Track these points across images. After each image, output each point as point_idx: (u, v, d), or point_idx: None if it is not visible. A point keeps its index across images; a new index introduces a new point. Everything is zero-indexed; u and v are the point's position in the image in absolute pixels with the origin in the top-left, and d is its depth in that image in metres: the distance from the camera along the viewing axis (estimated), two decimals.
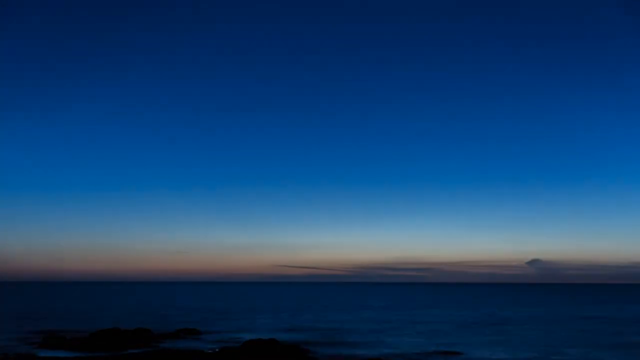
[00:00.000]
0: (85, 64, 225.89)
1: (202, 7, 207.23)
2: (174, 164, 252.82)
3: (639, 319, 59.27)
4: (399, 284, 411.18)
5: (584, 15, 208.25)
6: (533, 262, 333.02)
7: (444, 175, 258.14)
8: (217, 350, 29.45)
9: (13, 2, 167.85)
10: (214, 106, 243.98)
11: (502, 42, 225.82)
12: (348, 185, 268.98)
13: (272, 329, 43.29)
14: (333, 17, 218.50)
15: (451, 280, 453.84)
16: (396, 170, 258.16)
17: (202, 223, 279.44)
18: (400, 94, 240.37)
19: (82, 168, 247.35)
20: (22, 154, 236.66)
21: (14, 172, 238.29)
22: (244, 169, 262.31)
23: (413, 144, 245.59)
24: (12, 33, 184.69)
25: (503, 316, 61.89)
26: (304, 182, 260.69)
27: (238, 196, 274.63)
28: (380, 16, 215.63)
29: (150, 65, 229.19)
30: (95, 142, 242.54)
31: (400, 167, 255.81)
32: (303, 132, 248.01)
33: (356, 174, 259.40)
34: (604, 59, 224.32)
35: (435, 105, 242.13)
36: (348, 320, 54.67)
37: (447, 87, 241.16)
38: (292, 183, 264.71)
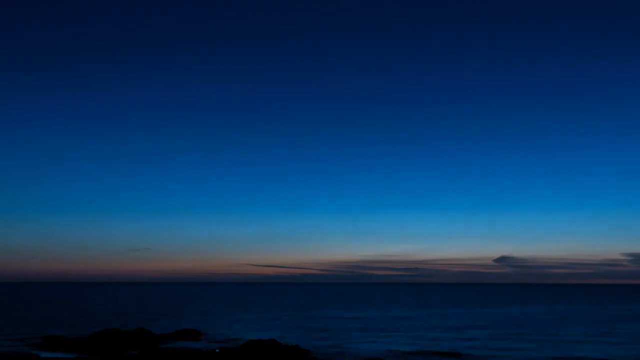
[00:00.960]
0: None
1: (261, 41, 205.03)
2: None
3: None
4: (370, 284, 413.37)
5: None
6: (502, 260, 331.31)
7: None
8: (217, 350, 29.48)
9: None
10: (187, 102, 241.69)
11: None
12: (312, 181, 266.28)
13: (272, 330, 43.39)
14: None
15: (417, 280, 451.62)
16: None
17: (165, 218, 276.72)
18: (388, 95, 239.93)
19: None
20: None
21: None
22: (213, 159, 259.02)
23: (392, 143, 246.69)
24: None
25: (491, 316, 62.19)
26: (276, 172, 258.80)
27: (206, 188, 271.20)
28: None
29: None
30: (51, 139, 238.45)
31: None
32: (285, 126, 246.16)
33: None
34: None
35: (418, 103, 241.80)
36: (344, 320, 54.80)
37: (422, 90, 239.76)
38: (266, 174, 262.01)
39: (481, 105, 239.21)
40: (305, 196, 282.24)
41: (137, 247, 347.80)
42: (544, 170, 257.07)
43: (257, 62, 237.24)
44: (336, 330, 44.12)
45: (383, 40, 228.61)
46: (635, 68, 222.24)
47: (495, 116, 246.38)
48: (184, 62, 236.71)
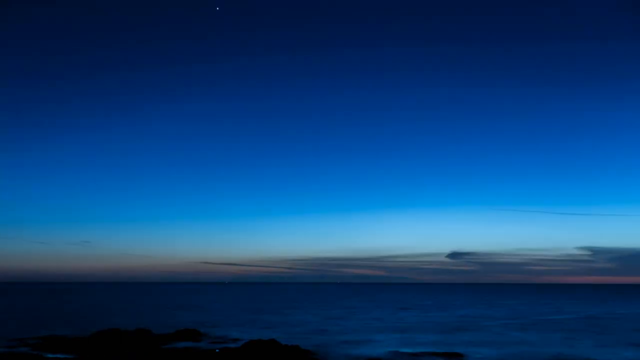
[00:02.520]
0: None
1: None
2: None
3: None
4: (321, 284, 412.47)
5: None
6: (454, 256, 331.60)
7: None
8: (217, 350, 29.51)
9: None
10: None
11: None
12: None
13: (272, 329, 43.40)
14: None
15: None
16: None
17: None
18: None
19: None
20: None
21: None
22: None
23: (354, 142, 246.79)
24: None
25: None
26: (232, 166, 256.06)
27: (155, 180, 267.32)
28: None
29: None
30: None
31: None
32: (235, 119, 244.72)
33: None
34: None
35: (375, 101, 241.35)
36: (338, 320, 54.83)
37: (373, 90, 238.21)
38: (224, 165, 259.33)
39: (432, 104, 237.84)
40: (263, 197, 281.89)
41: (75, 241, 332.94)
42: (490, 168, 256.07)
43: None
44: (331, 331, 44.13)
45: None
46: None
47: (447, 117, 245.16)
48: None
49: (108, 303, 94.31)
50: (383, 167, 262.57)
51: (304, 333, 41.64)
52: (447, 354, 30.38)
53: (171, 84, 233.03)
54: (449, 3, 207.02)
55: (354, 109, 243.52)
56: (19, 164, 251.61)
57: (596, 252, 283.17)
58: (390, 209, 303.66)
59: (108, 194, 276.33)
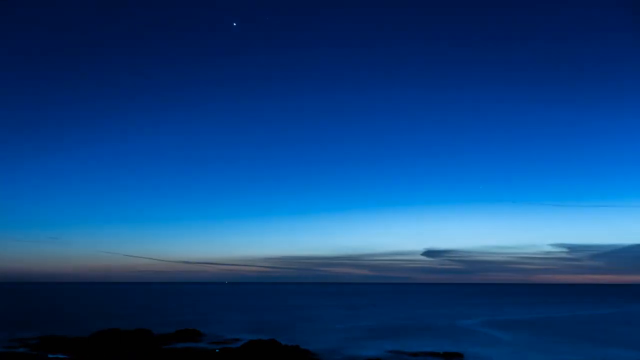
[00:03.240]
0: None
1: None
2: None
3: None
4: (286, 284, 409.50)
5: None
6: (430, 253, 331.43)
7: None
8: (217, 350, 29.49)
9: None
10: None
11: None
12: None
13: (271, 329, 43.36)
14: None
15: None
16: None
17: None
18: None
19: None
20: None
21: None
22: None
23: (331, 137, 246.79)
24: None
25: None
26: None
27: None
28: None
29: None
30: None
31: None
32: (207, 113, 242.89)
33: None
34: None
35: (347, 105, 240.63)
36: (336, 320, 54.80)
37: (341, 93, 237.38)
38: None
39: (405, 105, 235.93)
40: (242, 198, 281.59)
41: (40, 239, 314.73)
42: (465, 167, 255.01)
43: None
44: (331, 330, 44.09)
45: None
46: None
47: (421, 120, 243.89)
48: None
49: (84, 303, 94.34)
50: (360, 167, 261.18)
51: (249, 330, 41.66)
52: (447, 354, 30.35)
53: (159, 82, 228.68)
54: (454, 2, 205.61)
55: (330, 112, 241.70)
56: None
57: (573, 249, 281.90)
58: (366, 209, 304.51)
59: (82, 194, 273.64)
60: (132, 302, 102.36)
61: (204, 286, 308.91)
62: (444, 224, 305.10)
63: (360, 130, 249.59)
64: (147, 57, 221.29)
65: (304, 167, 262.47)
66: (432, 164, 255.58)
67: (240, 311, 71.34)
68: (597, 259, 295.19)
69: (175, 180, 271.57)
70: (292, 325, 49.17)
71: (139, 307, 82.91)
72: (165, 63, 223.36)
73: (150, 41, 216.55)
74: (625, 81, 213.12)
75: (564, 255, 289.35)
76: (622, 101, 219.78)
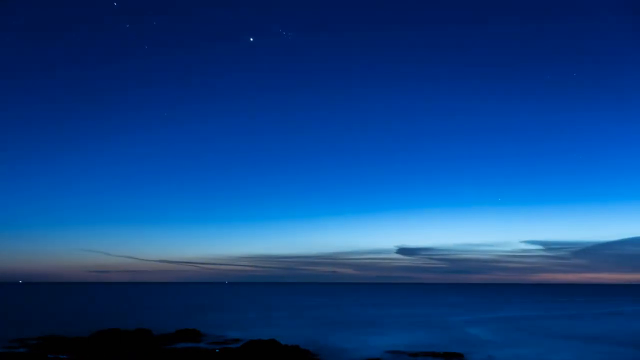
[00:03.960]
0: None
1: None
2: None
3: None
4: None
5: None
6: (404, 251, 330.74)
7: None
8: (217, 350, 29.52)
9: None
10: None
11: None
12: None
13: (271, 329, 43.43)
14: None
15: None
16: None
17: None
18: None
19: None
20: None
21: None
22: None
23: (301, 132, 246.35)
24: None
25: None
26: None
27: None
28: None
29: None
30: None
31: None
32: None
33: None
34: None
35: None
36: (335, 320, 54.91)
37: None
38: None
39: (371, 110, 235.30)
40: (216, 199, 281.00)
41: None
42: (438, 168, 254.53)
43: None
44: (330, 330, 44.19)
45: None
46: None
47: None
48: None
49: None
50: (334, 169, 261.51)
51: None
52: (447, 354, 30.43)
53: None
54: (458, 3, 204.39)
55: (296, 118, 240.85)
56: None
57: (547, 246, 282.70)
58: (342, 211, 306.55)
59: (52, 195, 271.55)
60: (125, 302, 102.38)
61: (185, 286, 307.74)
62: (417, 223, 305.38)
63: (337, 135, 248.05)
64: (161, 69, 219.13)
65: (282, 174, 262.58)
66: (402, 167, 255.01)
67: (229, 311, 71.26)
68: (579, 256, 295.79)
69: (159, 181, 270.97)
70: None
71: (130, 307, 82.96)
72: (179, 76, 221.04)
73: (165, 55, 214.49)
74: (601, 81, 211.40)
75: (541, 252, 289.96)
76: (597, 99, 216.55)
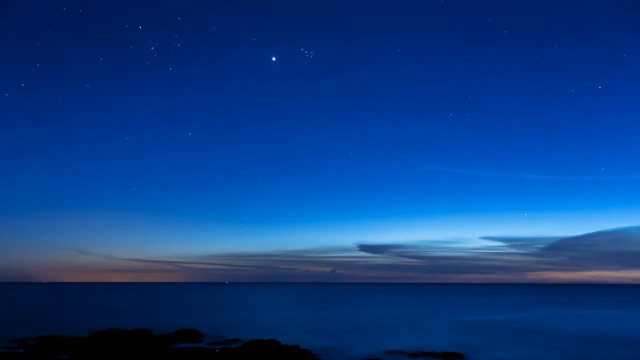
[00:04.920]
0: None
1: None
2: None
3: None
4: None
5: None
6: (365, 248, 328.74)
7: None
8: (217, 350, 29.50)
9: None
10: None
11: None
12: None
13: (270, 329, 43.39)
14: None
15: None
16: None
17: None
18: None
19: None
20: None
21: None
22: None
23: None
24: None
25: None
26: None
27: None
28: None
29: None
30: None
31: None
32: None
33: None
34: None
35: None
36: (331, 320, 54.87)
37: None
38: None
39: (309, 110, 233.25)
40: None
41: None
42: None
43: None
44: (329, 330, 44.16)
45: None
46: None
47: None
48: None
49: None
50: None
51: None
52: (447, 354, 30.41)
53: None
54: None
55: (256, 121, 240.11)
56: None
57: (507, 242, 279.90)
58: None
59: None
60: (125, 301, 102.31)
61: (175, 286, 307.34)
62: (376, 221, 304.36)
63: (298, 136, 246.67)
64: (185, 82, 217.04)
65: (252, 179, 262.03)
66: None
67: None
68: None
69: (159, 181, 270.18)
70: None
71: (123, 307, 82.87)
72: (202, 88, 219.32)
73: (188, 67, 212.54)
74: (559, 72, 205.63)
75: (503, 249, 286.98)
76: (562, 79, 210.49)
